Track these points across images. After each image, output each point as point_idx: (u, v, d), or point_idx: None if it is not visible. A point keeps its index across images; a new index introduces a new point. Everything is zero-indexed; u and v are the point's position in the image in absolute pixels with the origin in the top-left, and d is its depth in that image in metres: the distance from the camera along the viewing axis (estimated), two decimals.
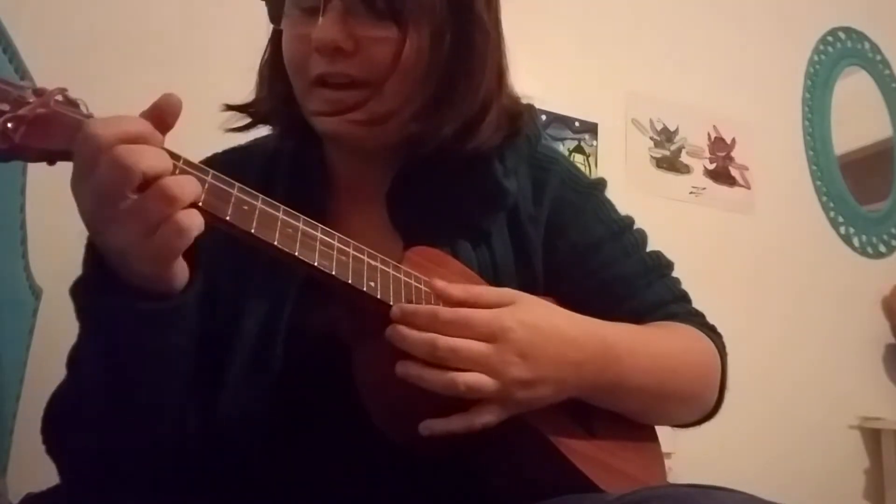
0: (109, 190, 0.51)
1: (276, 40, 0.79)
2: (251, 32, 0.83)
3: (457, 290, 0.66)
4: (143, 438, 0.63)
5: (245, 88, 0.83)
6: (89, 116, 0.55)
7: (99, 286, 0.56)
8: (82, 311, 0.59)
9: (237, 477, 0.69)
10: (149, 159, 0.52)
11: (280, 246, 0.58)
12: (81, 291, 0.58)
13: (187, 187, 0.53)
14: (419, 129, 0.74)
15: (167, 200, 0.52)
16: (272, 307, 0.72)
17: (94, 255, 0.57)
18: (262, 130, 0.85)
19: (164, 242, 0.53)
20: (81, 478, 0.66)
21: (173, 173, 0.54)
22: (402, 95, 0.73)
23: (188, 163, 0.57)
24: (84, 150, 0.52)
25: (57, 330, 1.04)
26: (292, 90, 0.77)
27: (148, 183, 0.52)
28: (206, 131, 0.79)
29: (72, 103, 0.55)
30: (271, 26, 0.79)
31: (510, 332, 0.63)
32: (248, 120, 0.83)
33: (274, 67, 0.80)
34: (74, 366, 0.65)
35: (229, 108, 0.82)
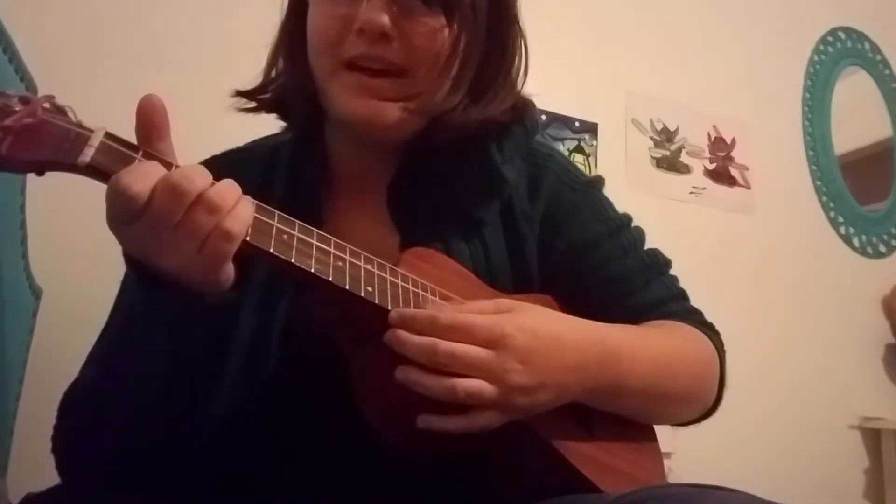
0: (165, 217, 0.52)
1: (291, 24, 0.79)
2: (251, 34, 0.83)
3: (447, 317, 0.62)
4: (172, 433, 0.64)
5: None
6: (78, 123, 0.54)
7: (155, 284, 0.57)
8: (146, 308, 0.59)
9: (231, 478, 0.68)
10: (196, 177, 0.53)
11: (276, 253, 0.58)
12: (149, 288, 0.58)
13: (228, 194, 0.54)
14: (443, 118, 0.76)
15: (213, 210, 0.53)
16: (267, 308, 0.72)
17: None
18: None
19: (214, 250, 0.53)
20: (90, 477, 0.66)
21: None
22: (434, 84, 0.74)
23: None
24: (135, 193, 0.51)
25: (57, 330, 1.04)
26: (307, 74, 0.76)
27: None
28: (205, 133, 0.79)
29: (59, 111, 0.54)
30: (285, 12, 0.79)
31: (510, 339, 0.63)
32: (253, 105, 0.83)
33: (290, 49, 0.79)
34: (109, 365, 0.64)
35: (239, 93, 0.82)
